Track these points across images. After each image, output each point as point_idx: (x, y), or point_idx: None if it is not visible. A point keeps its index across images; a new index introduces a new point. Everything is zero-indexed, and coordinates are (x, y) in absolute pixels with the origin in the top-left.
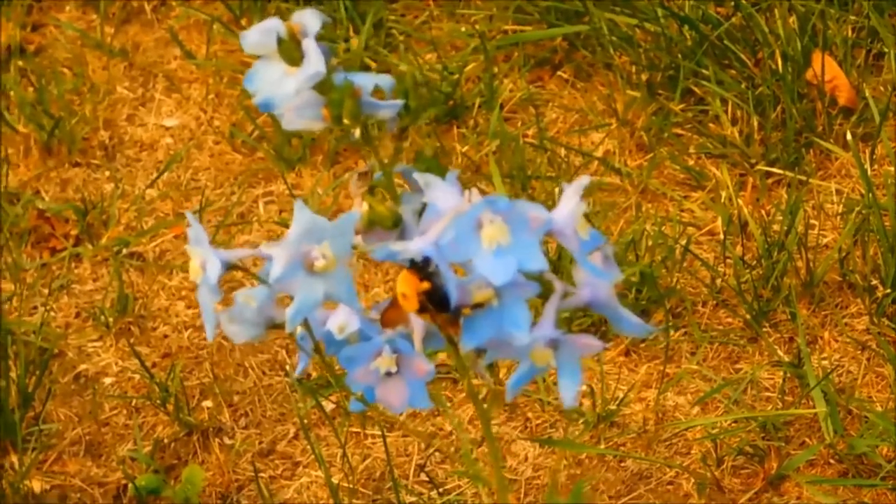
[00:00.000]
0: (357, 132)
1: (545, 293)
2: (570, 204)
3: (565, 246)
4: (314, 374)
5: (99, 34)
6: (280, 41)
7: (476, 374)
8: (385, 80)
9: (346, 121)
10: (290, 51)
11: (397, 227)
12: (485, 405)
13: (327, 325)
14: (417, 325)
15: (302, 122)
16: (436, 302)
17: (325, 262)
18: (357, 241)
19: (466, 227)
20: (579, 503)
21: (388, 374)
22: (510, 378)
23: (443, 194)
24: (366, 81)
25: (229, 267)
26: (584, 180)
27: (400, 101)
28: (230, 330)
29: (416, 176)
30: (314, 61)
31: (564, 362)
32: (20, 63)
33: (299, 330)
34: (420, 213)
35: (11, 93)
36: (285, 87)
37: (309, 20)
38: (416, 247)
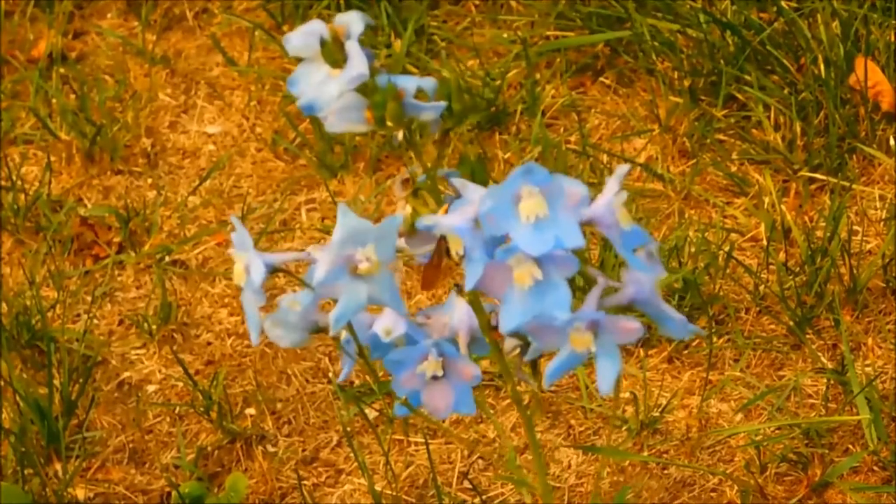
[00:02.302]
0: (400, 134)
1: (587, 287)
2: (610, 192)
3: (605, 234)
4: (357, 382)
5: (141, 41)
6: (323, 43)
7: (520, 380)
8: (428, 83)
9: (389, 123)
10: (333, 53)
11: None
12: (528, 411)
13: (373, 328)
14: (462, 329)
15: (345, 124)
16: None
17: (369, 266)
18: (401, 245)
19: (505, 198)
20: None
21: (434, 378)
22: (549, 364)
23: (476, 191)
24: (409, 84)
25: (273, 270)
26: (623, 168)
27: (443, 103)
28: (274, 334)
29: (454, 181)
30: (357, 63)
31: (604, 347)
32: (62, 70)
33: (343, 334)
34: None
35: (53, 100)
36: (328, 90)
37: (352, 22)
38: (449, 221)
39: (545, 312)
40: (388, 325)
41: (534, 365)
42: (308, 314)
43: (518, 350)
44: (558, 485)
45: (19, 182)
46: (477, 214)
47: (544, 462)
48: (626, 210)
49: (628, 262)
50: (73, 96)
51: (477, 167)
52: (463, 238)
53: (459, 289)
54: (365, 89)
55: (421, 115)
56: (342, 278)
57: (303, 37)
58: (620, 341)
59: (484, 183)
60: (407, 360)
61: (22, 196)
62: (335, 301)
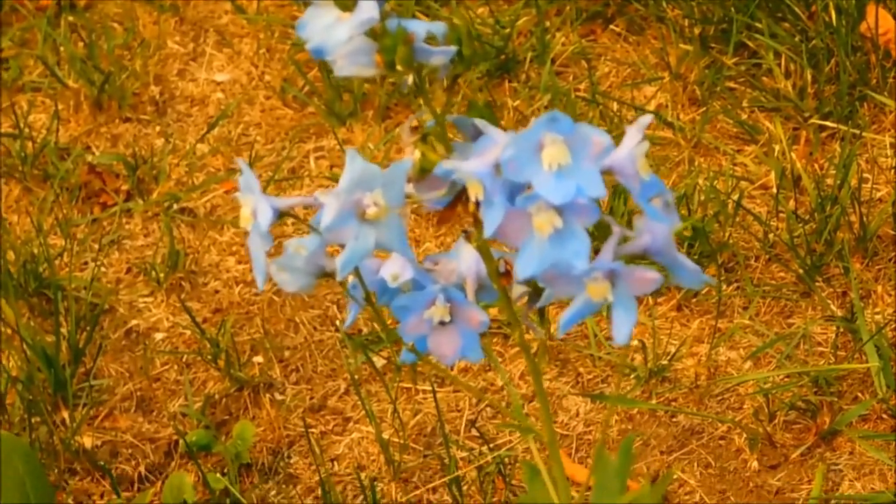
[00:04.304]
0: (410, 79)
1: (603, 236)
2: (631, 142)
3: (625, 185)
4: (364, 330)
5: None
6: None
7: (527, 328)
8: (438, 28)
9: (398, 67)
10: None
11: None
12: (535, 358)
13: (380, 274)
14: (470, 275)
15: (354, 68)
16: None
17: (377, 210)
18: (409, 190)
19: (528, 146)
20: (628, 458)
21: (442, 323)
22: (563, 313)
23: (498, 132)
24: (418, 28)
25: (280, 214)
26: (645, 119)
27: (453, 48)
28: (280, 279)
29: (478, 122)
30: (367, 6)
31: (620, 297)
32: (70, 18)
33: (350, 279)
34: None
35: (62, 48)
36: (338, 33)
37: None
38: (471, 167)
39: (563, 261)
40: (395, 270)
41: (541, 313)
42: (315, 259)
43: (526, 297)
44: (566, 433)
45: (27, 130)
46: (498, 160)
47: (551, 410)
48: (645, 161)
49: (645, 212)
50: (81, 44)
51: (486, 114)
52: (483, 183)
53: (468, 235)
54: (374, 33)
55: (431, 60)
56: (350, 223)
57: None
58: (638, 292)
59: None
60: (414, 305)
61: (30, 144)
62: (342, 246)
